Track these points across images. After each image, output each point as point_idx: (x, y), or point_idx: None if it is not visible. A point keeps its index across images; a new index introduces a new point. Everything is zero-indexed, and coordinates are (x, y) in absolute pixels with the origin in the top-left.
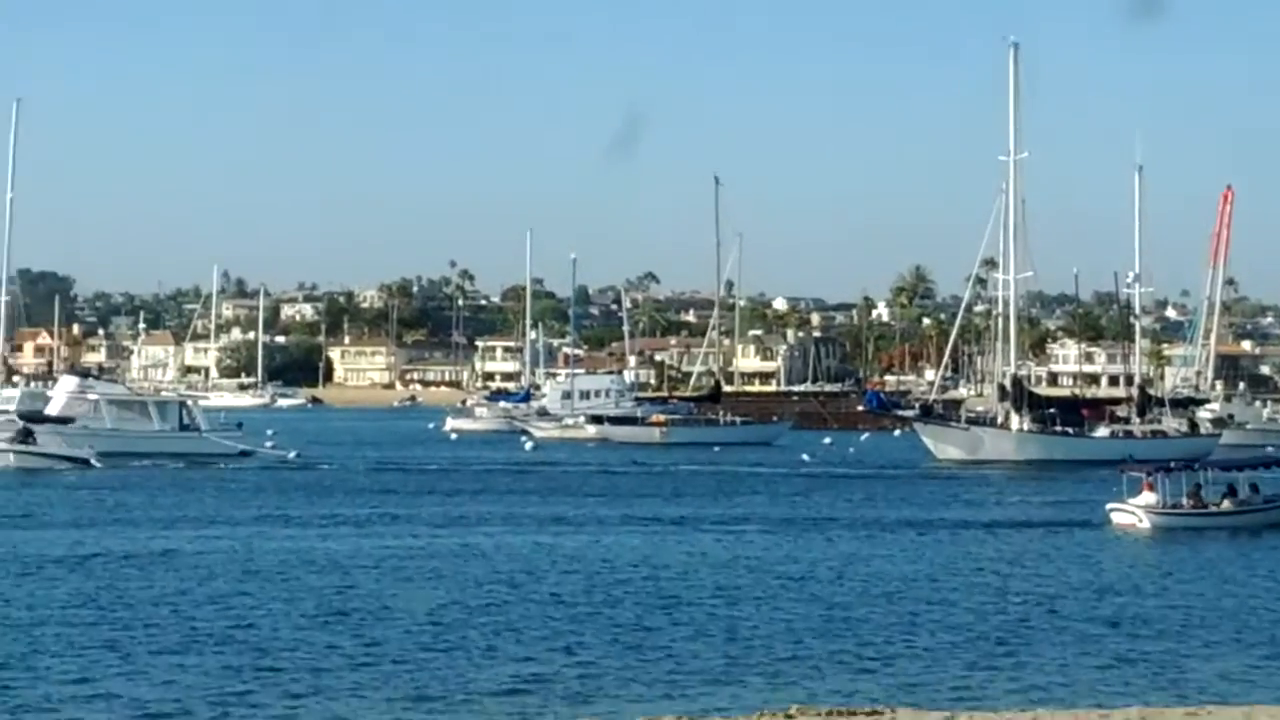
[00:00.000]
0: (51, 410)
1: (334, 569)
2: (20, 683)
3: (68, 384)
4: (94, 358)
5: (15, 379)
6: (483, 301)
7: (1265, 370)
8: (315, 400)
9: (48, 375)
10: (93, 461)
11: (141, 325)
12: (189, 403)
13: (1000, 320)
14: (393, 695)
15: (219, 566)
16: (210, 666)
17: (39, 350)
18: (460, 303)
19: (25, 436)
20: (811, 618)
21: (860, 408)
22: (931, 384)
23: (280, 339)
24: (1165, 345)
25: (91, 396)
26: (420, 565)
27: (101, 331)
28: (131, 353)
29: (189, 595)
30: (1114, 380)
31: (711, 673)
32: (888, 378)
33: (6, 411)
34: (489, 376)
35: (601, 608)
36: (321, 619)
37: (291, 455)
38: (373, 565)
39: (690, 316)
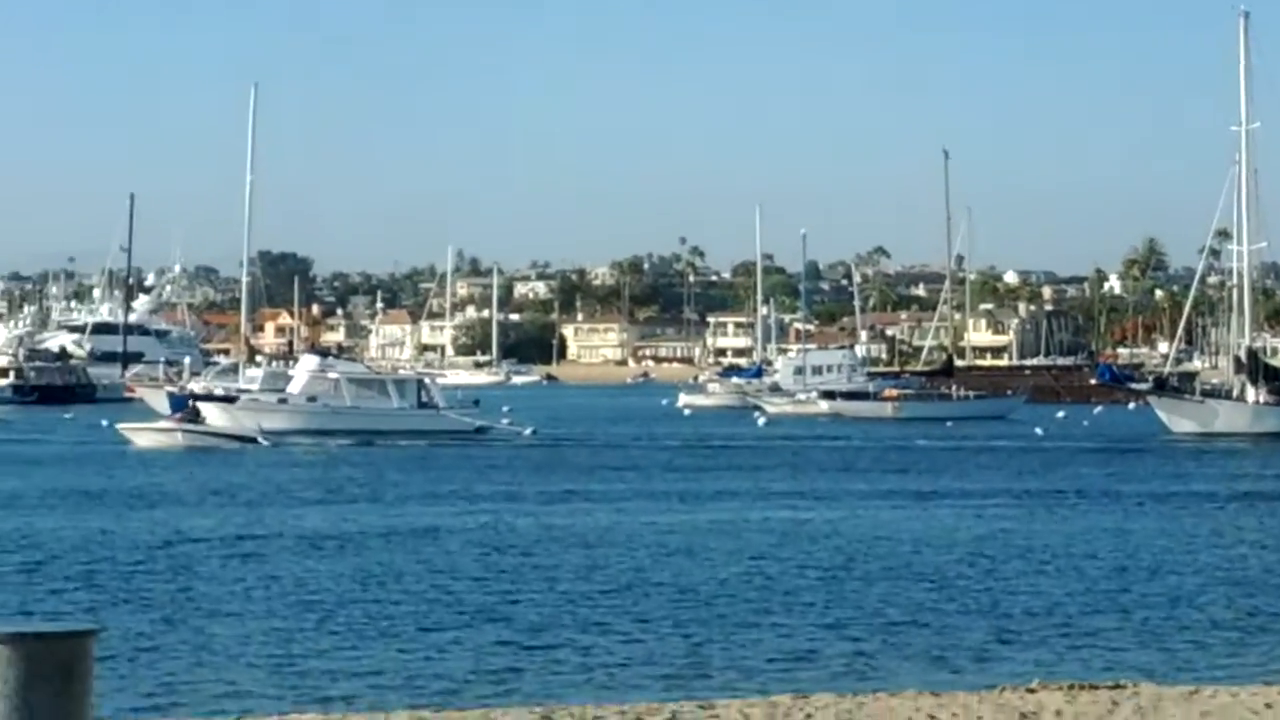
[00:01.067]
0: (293, 389)
1: (583, 544)
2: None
3: (308, 363)
4: (333, 337)
5: (258, 359)
6: (713, 278)
7: None
8: (549, 377)
9: (288, 355)
10: (260, 440)
11: (379, 305)
12: (426, 381)
13: (1234, 292)
14: (666, 671)
15: (472, 542)
16: (481, 641)
17: (280, 330)
18: (691, 279)
19: (194, 416)
20: (1074, 591)
21: (1093, 381)
22: (1165, 357)
23: (514, 317)
24: None
25: (332, 375)
26: (665, 541)
27: (340, 311)
28: (369, 332)
29: (450, 571)
30: None
31: (975, 647)
32: (1120, 351)
33: (250, 391)
34: (721, 352)
35: (856, 582)
36: (582, 594)
37: (527, 432)
38: (622, 541)
39: (921, 291)
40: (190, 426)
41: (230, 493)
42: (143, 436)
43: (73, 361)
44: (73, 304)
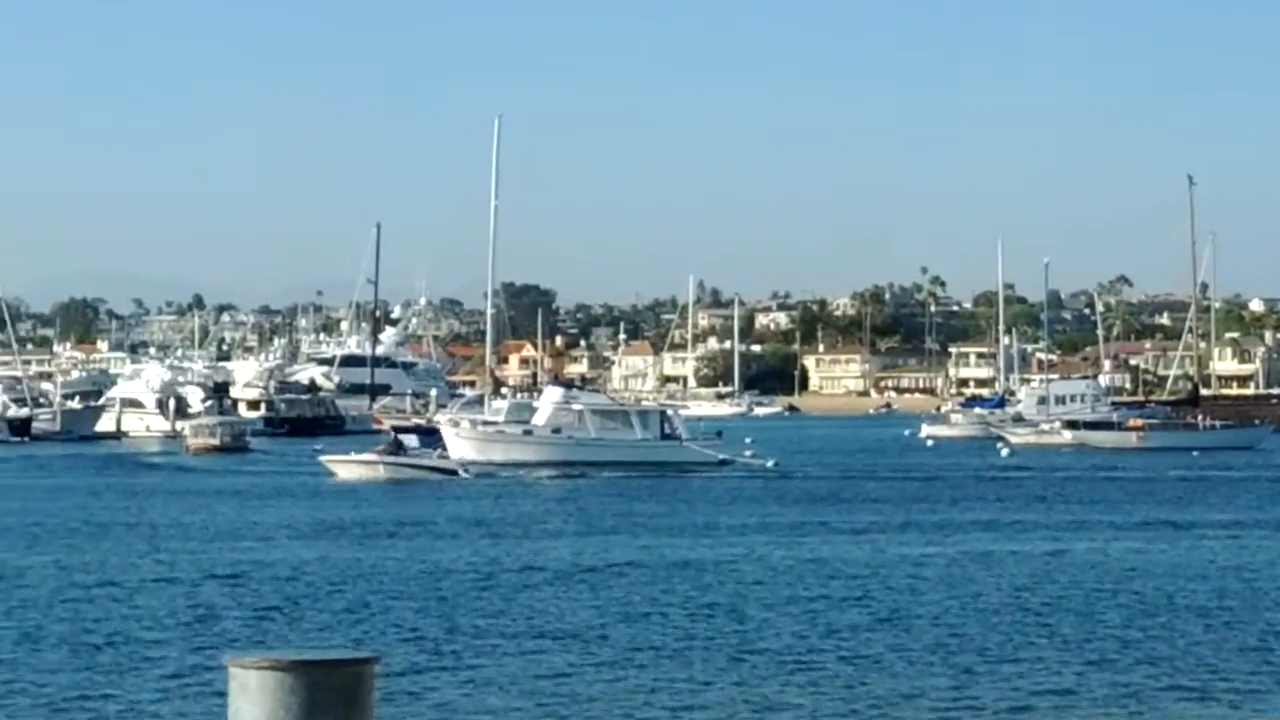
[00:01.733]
0: (538, 420)
1: (838, 576)
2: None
3: (553, 395)
4: (576, 369)
5: (503, 391)
6: (955, 307)
7: None
8: (791, 408)
9: (532, 386)
10: (461, 473)
11: (621, 336)
12: (669, 412)
13: None
14: (933, 704)
15: (727, 575)
16: (745, 675)
17: (524, 362)
18: (932, 309)
19: (397, 448)
20: None
21: None
22: None
23: (755, 348)
24: None
25: (576, 407)
26: (920, 572)
27: (583, 343)
28: (612, 363)
29: (708, 603)
30: None
31: (1241, 683)
32: None
33: (495, 423)
34: (963, 383)
35: (1116, 614)
36: (845, 626)
37: (770, 464)
38: (876, 573)
39: (1165, 319)
40: (392, 459)
41: (483, 524)
42: (345, 469)
43: (322, 394)
44: (321, 337)
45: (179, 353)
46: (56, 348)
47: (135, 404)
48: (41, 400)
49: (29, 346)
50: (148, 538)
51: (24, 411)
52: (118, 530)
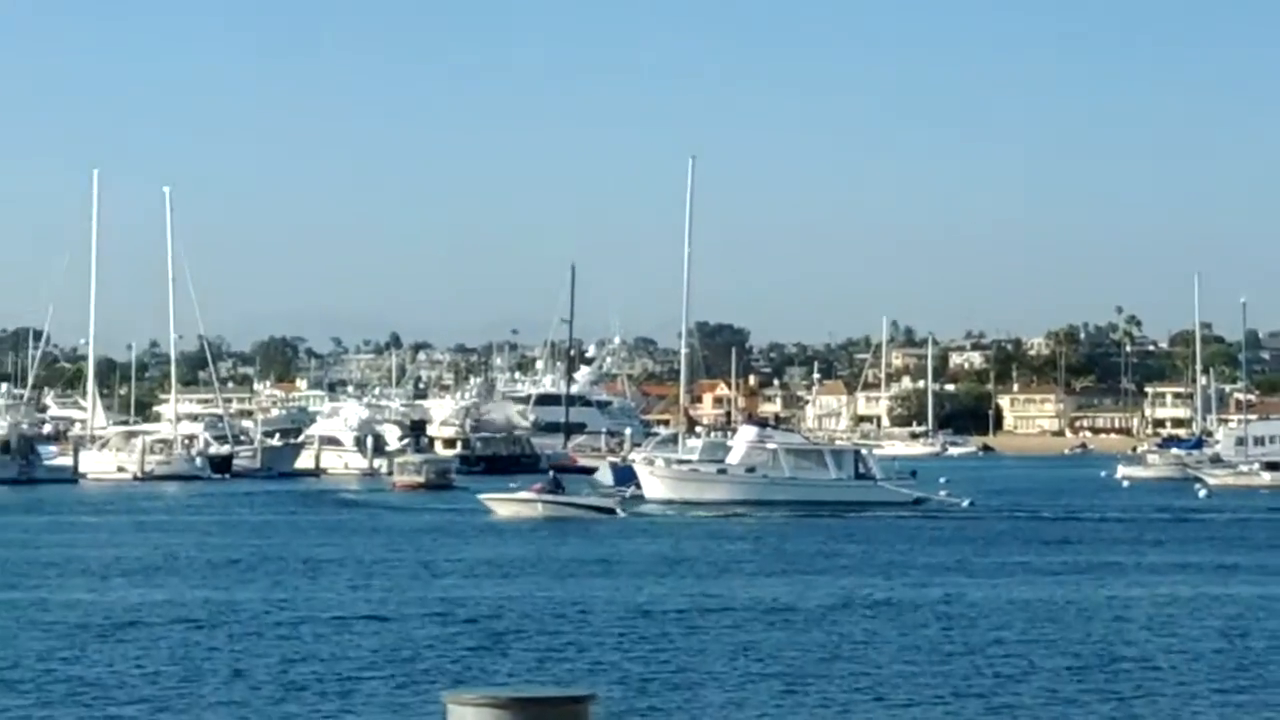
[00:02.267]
0: (732, 459)
1: (1041, 618)
2: None
3: (747, 434)
4: (770, 408)
5: (697, 429)
6: (1150, 347)
7: None
8: (986, 448)
9: (726, 425)
10: (619, 511)
11: (815, 375)
12: (863, 451)
13: None
14: None
15: (931, 615)
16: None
17: (717, 401)
18: (1128, 348)
19: (555, 487)
20: None
21: None
22: None
23: (949, 387)
24: None
25: (770, 446)
26: (1125, 615)
27: (776, 382)
28: (806, 402)
29: (912, 644)
30: None
31: None
32: None
33: (690, 461)
34: (1159, 423)
35: None
36: (1051, 670)
37: (965, 504)
38: (1080, 615)
39: None
40: (550, 498)
41: (678, 562)
42: (504, 507)
43: (517, 432)
44: (516, 375)
45: (376, 391)
46: (257, 386)
47: (334, 441)
48: (242, 438)
49: (230, 385)
50: (355, 574)
51: (225, 449)
52: (326, 566)
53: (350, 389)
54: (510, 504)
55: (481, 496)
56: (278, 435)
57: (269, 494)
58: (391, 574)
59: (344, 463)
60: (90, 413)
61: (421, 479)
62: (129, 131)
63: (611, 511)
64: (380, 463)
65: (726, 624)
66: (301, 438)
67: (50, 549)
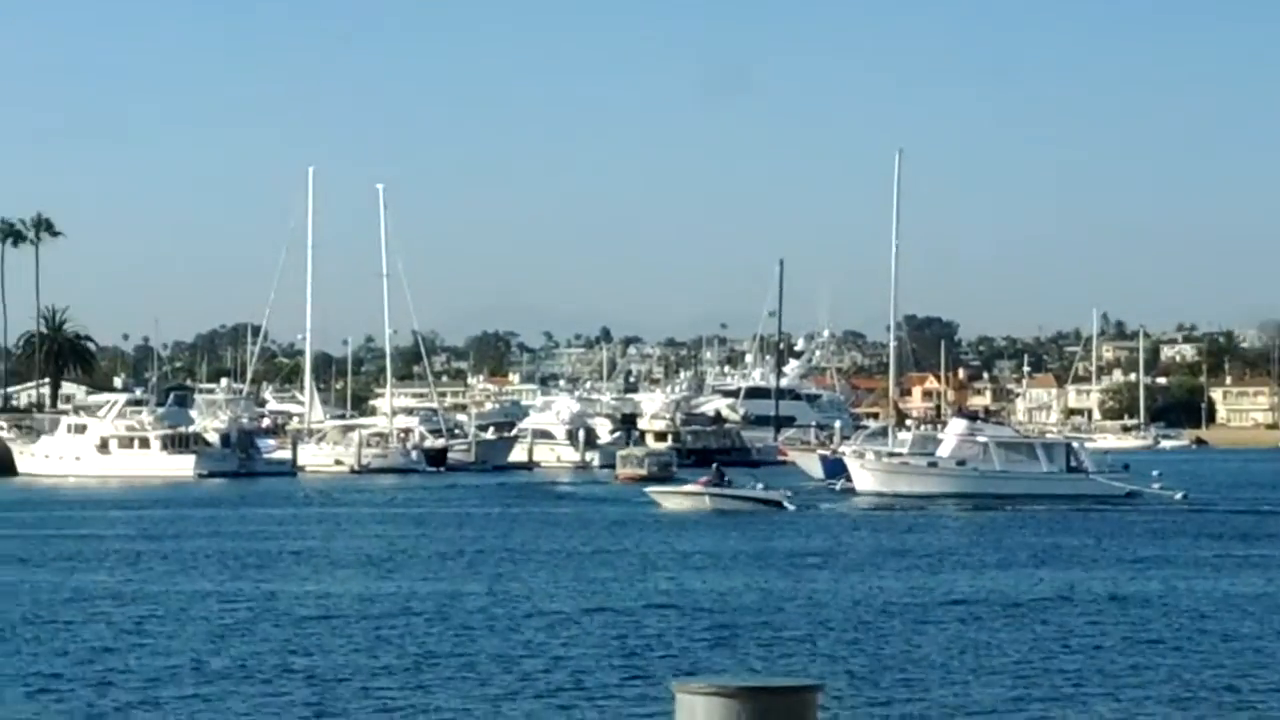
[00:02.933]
0: (942, 452)
1: (1271, 612)
2: None
3: (957, 427)
4: (979, 401)
5: (907, 423)
6: None
7: None
8: (1199, 441)
9: (936, 419)
10: (785, 504)
11: (1025, 368)
12: (1074, 444)
13: None
14: None
15: (1155, 609)
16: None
17: (927, 394)
18: None
19: (720, 479)
20: None
21: None
22: None
23: (1160, 380)
24: None
25: (980, 439)
26: None
27: (985, 375)
28: (1016, 395)
29: (1143, 639)
30: None
31: None
32: None
33: (900, 454)
34: None
35: None
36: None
37: (1178, 496)
38: None
39: None
40: (718, 490)
41: (897, 555)
42: (671, 500)
43: (727, 425)
44: (726, 369)
45: (588, 385)
46: (471, 380)
47: (546, 435)
48: (457, 431)
49: (444, 379)
50: (574, 565)
51: (440, 442)
52: (547, 558)
53: (562, 383)
54: (676, 497)
55: (649, 490)
56: (491, 429)
57: (484, 487)
58: (613, 565)
59: (556, 456)
60: (308, 407)
61: (644, 471)
62: (344, 130)
63: (779, 504)
64: (592, 455)
65: (949, 617)
66: (515, 431)
67: (275, 541)
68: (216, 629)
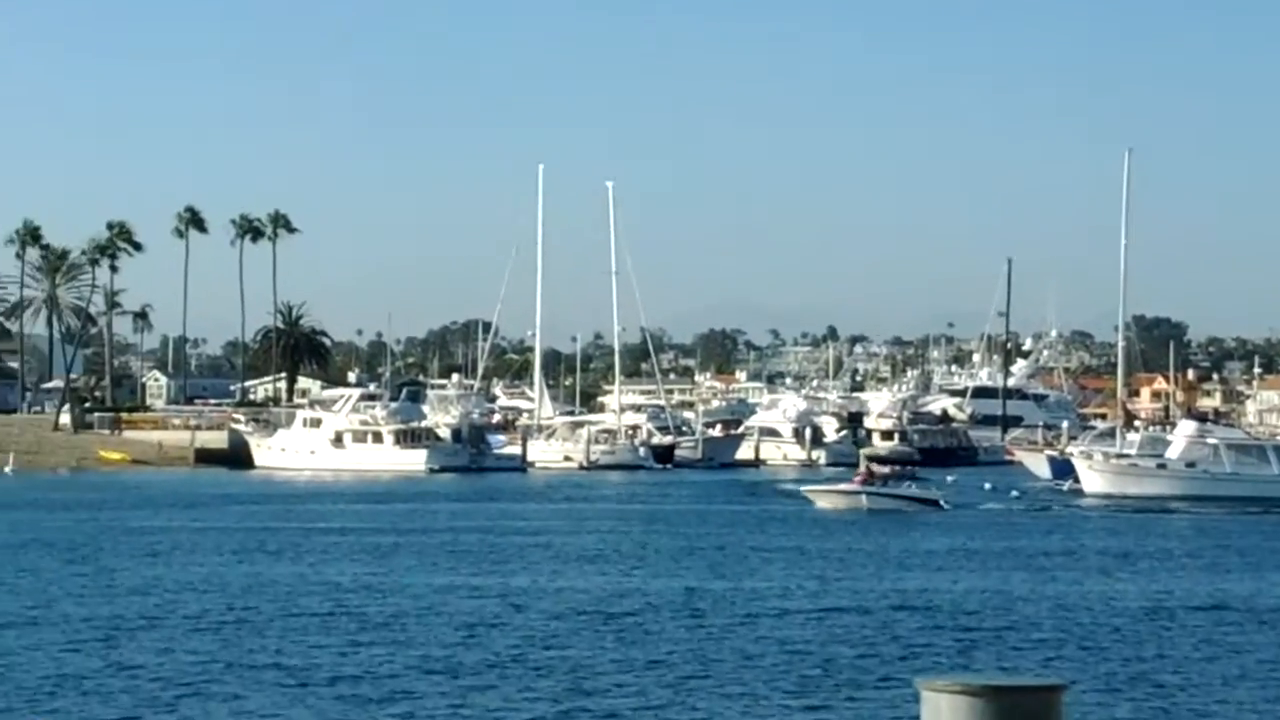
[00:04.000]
0: (1171, 454)
1: None
2: None
3: (1187, 429)
4: (1208, 403)
5: (1135, 424)
6: None
7: None
8: None
9: (1165, 420)
10: (942, 504)
11: (1256, 370)
12: None
13: None
14: None
15: None
16: None
17: (1155, 395)
18: None
19: (873, 478)
20: None
21: None
22: None
23: None
24: None
25: (1211, 441)
26: None
27: (1215, 376)
28: (1246, 397)
29: None
30: None
31: None
32: None
33: (1128, 456)
34: None
35: None
36: None
37: None
38: None
39: None
40: (874, 489)
41: (1127, 558)
42: (825, 498)
43: (954, 424)
44: (953, 368)
45: (814, 383)
46: (698, 377)
47: (772, 433)
48: (684, 428)
49: (672, 376)
50: (814, 564)
51: (668, 439)
52: (783, 556)
53: (788, 381)
54: (832, 495)
55: (804, 489)
56: (718, 426)
57: (712, 483)
58: (850, 564)
59: (782, 454)
60: (537, 403)
61: (887, 471)
62: (574, 128)
63: (936, 504)
64: (818, 453)
65: (1191, 622)
66: (741, 429)
67: (511, 536)
68: (463, 623)
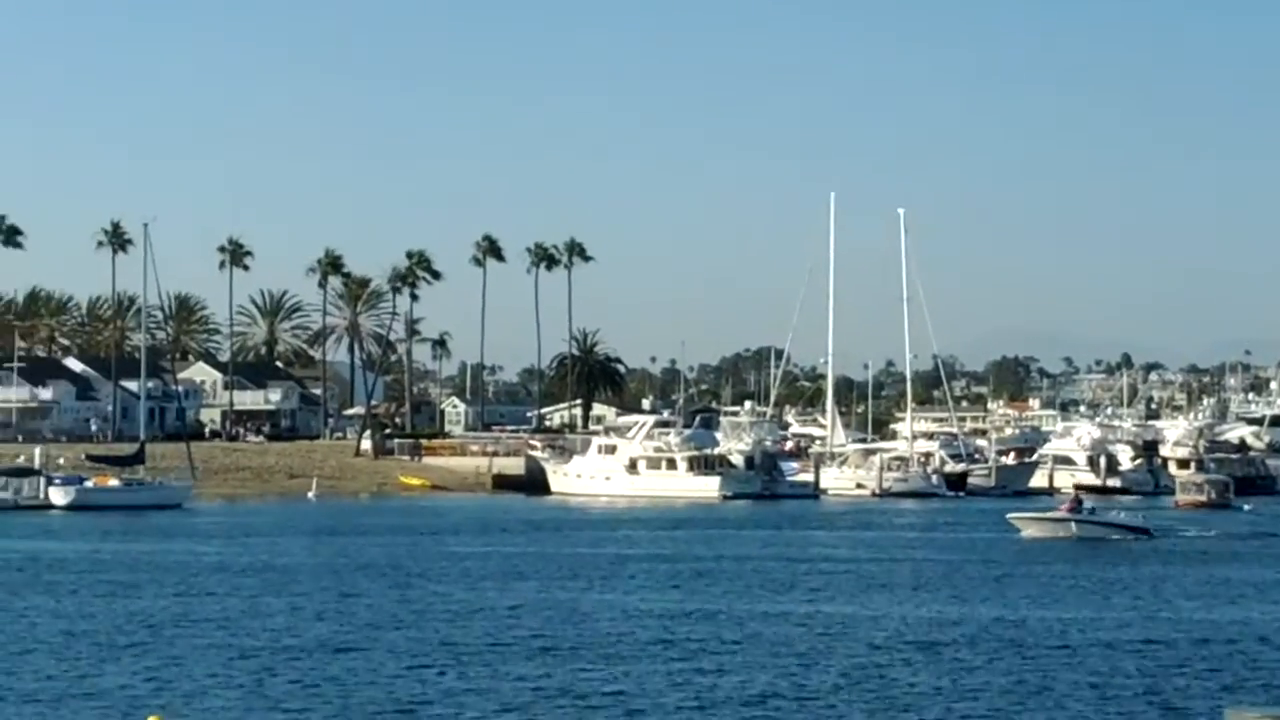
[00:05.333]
0: None
1: None
2: None
3: None
4: None
5: None
6: None
7: None
8: None
9: None
10: (1152, 533)
11: None
12: None
13: None
14: None
15: None
16: None
17: None
18: None
19: (1079, 506)
20: None
21: None
22: None
23: None
24: None
25: None
26: None
27: None
28: None
29: None
30: None
31: None
32: None
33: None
34: None
35: None
36: None
37: None
38: None
39: None
40: (1083, 517)
41: None
42: (1033, 526)
43: (1252, 453)
44: (1250, 396)
45: (1108, 411)
46: (990, 405)
47: (1067, 461)
48: (976, 456)
49: (964, 404)
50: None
51: (960, 467)
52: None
53: (1082, 409)
54: (1039, 523)
55: (1010, 515)
56: (1011, 454)
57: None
58: (1169, 593)
59: (1076, 482)
60: (830, 430)
61: (1204, 498)
62: (864, 155)
63: (1146, 532)
64: (1113, 482)
65: None
66: (1035, 456)
67: (816, 563)
68: (788, 651)
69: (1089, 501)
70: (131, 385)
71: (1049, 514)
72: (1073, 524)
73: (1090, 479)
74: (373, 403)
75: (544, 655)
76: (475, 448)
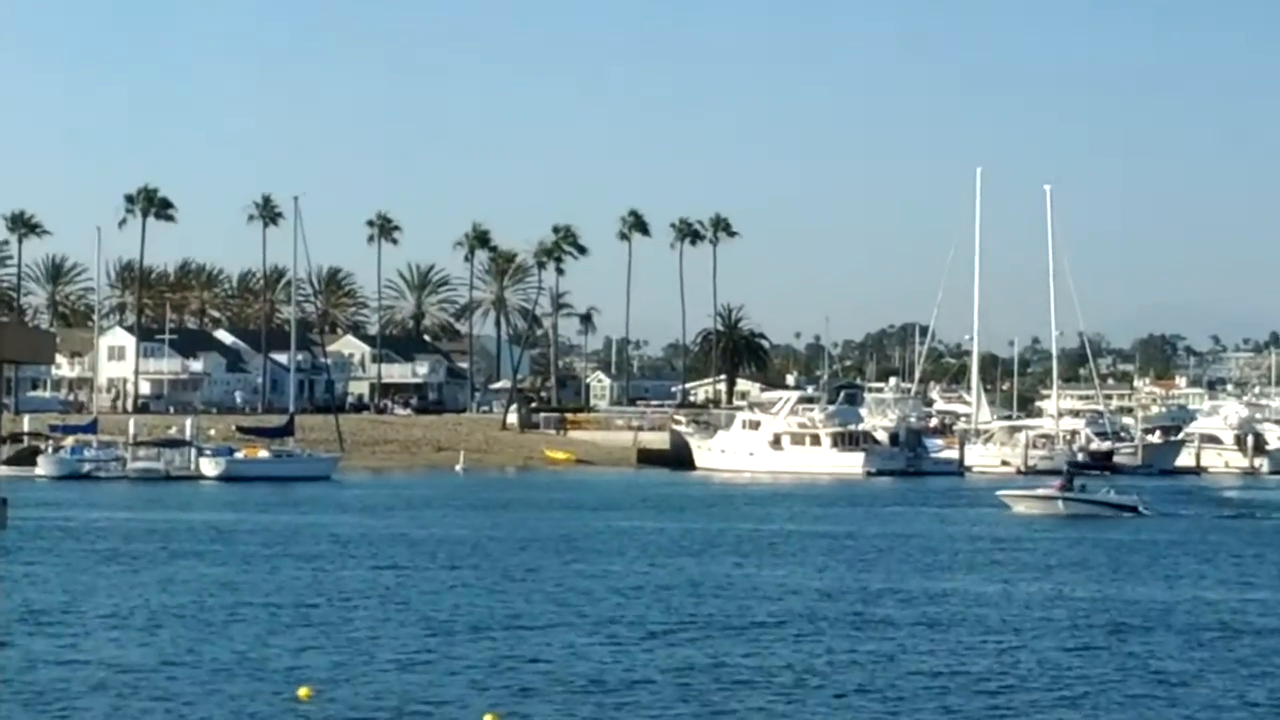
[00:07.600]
0: None
1: None
2: None
3: None
4: None
5: None
6: None
7: None
8: None
9: None
10: (1141, 510)
11: None
12: None
13: None
14: None
15: None
16: None
17: None
18: None
19: (1070, 484)
20: None
21: None
22: None
23: None
24: None
25: None
26: None
27: None
28: None
29: None
30: None
31: None
32: None
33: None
34: None
35: None
36: None
37: None
38: None
39: None
40: (1071, 495)
41: None
42: (1022, 503)
43: None
44: None
45: (1256, 389)
46: (1136, 383)
47: (1213, 440)
48: (1122, 434)
49: (1109, 381)
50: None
51: (1106, 445)
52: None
53: (1230, 387)
54: (1028, 500)
55: (1000, 493)
56: (1158, 432)
57: (1154, 490)
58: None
59: (1224, 461)
60: (974, 407)
61: None
62: (1013, 130)
63: (1135, 509)
64: (1261, 461)
65: None
66: (1181, 435)
67: (980, 541)
68: (974, 630)
69: (1080, 480)
70: (281, 358)
71: (1038, 492)
72: (1060, 502)
73: (1238, 458)
74: (519, 377)
75: (747, 630)
76: (620, 422)
